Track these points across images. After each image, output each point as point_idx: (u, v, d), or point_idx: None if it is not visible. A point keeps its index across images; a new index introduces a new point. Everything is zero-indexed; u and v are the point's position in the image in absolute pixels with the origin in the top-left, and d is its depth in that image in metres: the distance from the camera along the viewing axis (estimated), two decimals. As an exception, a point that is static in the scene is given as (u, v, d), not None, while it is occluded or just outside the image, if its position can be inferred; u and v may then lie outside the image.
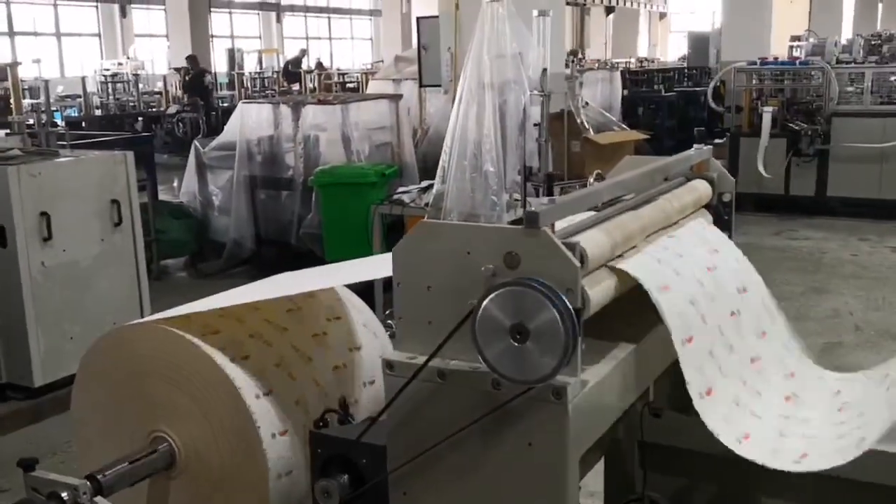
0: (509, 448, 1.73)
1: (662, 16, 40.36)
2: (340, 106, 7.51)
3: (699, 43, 17.14)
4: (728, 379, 2.06)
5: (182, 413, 2.31)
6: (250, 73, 23.84)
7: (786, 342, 2.40)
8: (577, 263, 1.66)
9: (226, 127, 7.99)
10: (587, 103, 10.60)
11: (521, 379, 1.65)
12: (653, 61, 25.64)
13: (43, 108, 15.14)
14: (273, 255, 7.53)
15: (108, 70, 20.29)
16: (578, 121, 9.41)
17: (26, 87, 14.68)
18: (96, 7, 29.46)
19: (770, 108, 9.70)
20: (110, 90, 18.44)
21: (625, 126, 12.09)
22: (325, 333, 2.44)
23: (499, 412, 1.72)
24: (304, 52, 23.56)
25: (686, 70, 16.67)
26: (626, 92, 13.30)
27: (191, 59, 15.51)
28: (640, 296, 1.92)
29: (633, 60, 23.08)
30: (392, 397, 1.81)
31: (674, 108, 13.68)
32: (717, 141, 11.02)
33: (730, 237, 2.61)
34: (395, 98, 8.18)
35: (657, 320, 1.92)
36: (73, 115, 16.19)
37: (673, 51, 34.66)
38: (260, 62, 27.01)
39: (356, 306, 2.54)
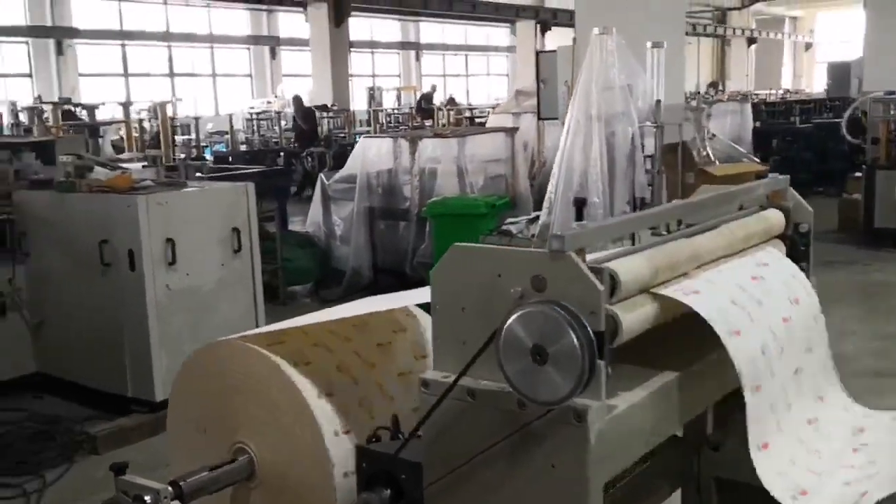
0: (534, 469, 1.76)
1: (808, 46, 38.86)
2: (456, 139, 7.67)
3: (840, 73, 16.39)
4: (784, 435, 1.99)
5: (259, 425, 2.47)
6: (387, 109, 24.62)
7: (847, 406, 2.29)
8: (601, 287, 1.68)
9: (348, 161, 8.31)
10: (714, 135, 10.37)
11: (539, 399, 1.68)
12: (796, 93, 24.73)
13: (193, 144, 16.21)
14: (389, 283, 7.75)
15: (252, 108, 21.40)
16: (704, 152, 9.24)
17: (177, 124, 15.69)
18: (249, 49, 31.17)
19: (911, 141, 9.20)
20: (255, 127, 19.45)
21: (755, 158, 11.74)
22: (390, 343, 2.56)
23: (524, 432, 1.75)
24: (434, 88, 24.07)
25: (826, 101, 15.98)
26: (758, 124, 12.89)
27: (296, 99, 16.16)
28: (690, 323, 1.90)
29: (773, 91, 22.31)
30: (425, 415, 1.88)
31: (811, 141, 13.13)
32: (856, 174, 10.53)
33: (807, 267, 2.53)
34: (511, 131, 8.27)
35: (707, 351, 1.90)
36: (221, 150, 17.16)
37: (819, 82, 33.30)
38: (398, 99, 27.84)
39: (426, 319, 2.64)
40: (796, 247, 2.58)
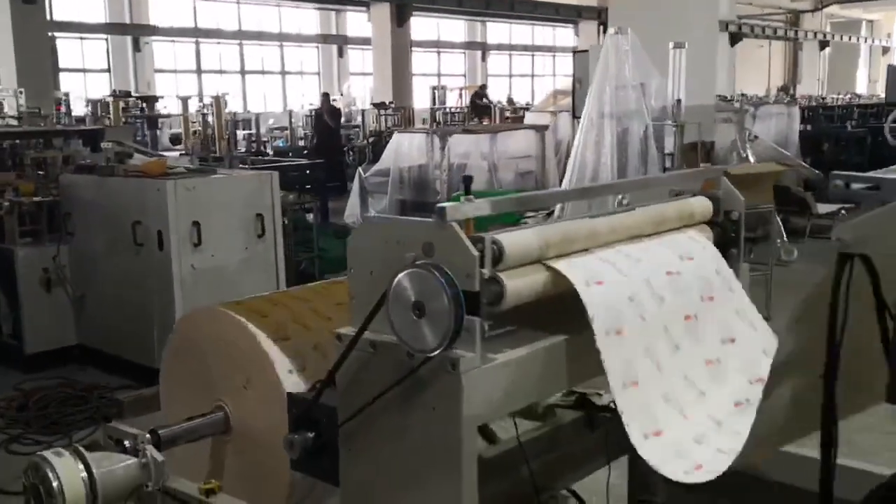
0: (420, 410, 2.01)
1: (885, 50, 37.79)
2: (487, 135, 7.91)
3: (898, 76, 16.10)
4: (664, 374, 2.19)
5: (231, 381, 2.80)
6: (450, 108, 24.98)
7: (767, 349, 2.43)
8: (475, 253, 1.92)
9: (382, 155, 8.62)
10: (756, 137, 10.37)
11: (418, 349, 1.93)
12: (870, 97, 24.18)
13: (254, 138, 16.79)
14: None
15: (312, 105, 21.98)
16: (744, 154, 9.28)
17: (239, 119, 16.27)
18: (317, 48, 31.85)
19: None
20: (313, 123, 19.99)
21: (802, 162, 11.67)
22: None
23: (412, 379, 2.00)
24: (484, 87, 24.40)
25: (885, 105, 15.68)
26: (808, 127, 12.77)
27: (324, 96, 16.53)
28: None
29: (839, 95, 21.89)
30: (335, 365, 2.15)
31: (863, 145, 12.95)
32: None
33: (737, 253, 2.70)
34: (541, 129, 8.47)
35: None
36: (280, 145, 17.72)
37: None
38: (460, 97, 28.15)
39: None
40: (726, 233, 2.76)
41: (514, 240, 2.10)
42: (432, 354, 1.92)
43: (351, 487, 2.21)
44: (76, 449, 2.57)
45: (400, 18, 21.68)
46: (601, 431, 2.91)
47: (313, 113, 15.66)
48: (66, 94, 7.88)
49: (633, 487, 2.92)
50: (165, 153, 7.09)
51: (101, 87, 23.28)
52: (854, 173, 9.35)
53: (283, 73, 31.48)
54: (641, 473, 2.81)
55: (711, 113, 7.83)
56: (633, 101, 6.08)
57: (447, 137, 7.75)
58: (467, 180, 2.53)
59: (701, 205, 2.71)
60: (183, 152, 7.33)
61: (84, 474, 2.49)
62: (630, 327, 2.15)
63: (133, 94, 17.79)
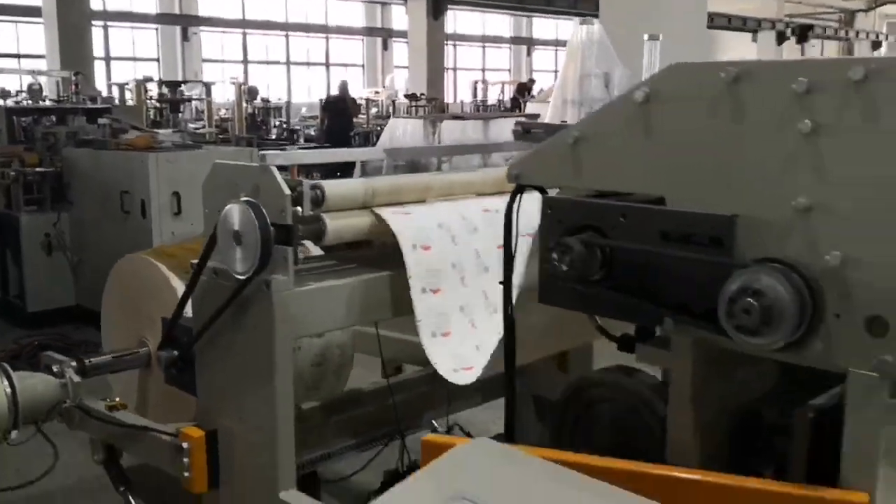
0: (245, 328, 2.38)
1: (941, 50, 36.85)
2: (479, 122, 8.23)
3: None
4: (467, 289, 2.49)
5: (152, 320, 3.19)
6: (491, 102, 25.35)
7: None
8: (286, 192, 2.28)
9: (379, 140, 8.97)
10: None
11: (236, 272, 2.30)
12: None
13: (285, 126, 17.29)
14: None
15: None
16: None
17: (270, 107, 16.78)
18: (362, 41, 32.32)
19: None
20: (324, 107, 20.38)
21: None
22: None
23: (239, 300, 2.37)
24: (532, 81, 24.64)
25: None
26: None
27: (342, 84, 16.83)
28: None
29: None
30: (186, 290, 2.53)
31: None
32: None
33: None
34: (532, 116, 8.75)
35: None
36: (311, 133, 18.20)
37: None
38: (502, 92, 28.39)
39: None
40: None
41: (337, 186, 2.46)
42: (245, 277, 2.29)
43: (203, 397, 2.60)
44: (2, 367, 3.00)
45: (436, 12, 22.02)
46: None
47: (324, 100, 16.07)
48: (77, 75, 8.42)
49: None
50: (160, 131, 7.54)
51: (151, 76, 24.07)
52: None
53: (328, 64, 31.99)
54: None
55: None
56: (595, 89, 6.34)
57: (438, 123, 8.08)
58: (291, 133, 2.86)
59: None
60: (174, 129, 7.77)
61: (8, 389, 2.91)
62: (437, 245, 2.47)
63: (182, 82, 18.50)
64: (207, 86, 12.24)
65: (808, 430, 1.51)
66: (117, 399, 3.23)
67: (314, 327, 2.45)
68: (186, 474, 2.52)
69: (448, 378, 2.34)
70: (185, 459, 2.51)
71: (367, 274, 2.50)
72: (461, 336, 2.39)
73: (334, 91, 16.02)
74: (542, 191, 1.76)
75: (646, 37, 7.36)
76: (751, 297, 1.35)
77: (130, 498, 3.18)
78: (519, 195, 1.75)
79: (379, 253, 2.66)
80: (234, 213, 2.29)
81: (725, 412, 1.65)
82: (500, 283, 1.79)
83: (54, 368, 3.13)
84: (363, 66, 32.38)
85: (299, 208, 2.32)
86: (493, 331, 2.46)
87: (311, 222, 2.37)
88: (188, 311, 2.86)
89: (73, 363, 3.15)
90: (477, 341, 2.39)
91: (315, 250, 2.79)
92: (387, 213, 2.48)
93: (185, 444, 2.51)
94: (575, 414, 1.92)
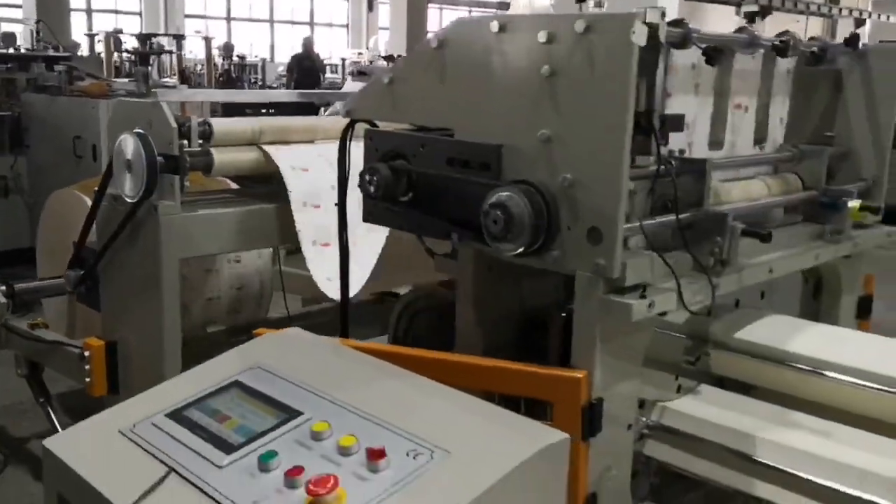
0: (138, 247, 2.66)
1: (923, 30, 37.11)
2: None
3: None
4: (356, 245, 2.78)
5: None
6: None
7: None
8: (174, 125, 2.54)
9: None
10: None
11: (126, 196, 2.57)
12: None
13: (260, 83, 17.40)
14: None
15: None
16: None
17: (246, 64, 16.88)
18: (347, 1, 32.21)
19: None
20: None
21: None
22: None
23: (133, 223, 2.64)
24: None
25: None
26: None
27: (306, 39, 16.83)
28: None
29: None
30: (88, 214, 2.80)
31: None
32: None
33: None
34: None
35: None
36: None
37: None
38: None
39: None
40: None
41: (225, 123, 2.73)
42: (134, 200, 2.56)
43: (105, 311, 2.88)
44: (-66, 287, 3.27)
45: (418, -26, 22.07)
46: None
47: (291, 58, 16.21)
48: (38, 23, 8.60)
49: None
50: (117, 80, 7.73)
51: (133, 29, 24.05)
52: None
53: (312, 24, 31.90)
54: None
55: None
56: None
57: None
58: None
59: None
60: (131, 79, 7.93)
61: (-62, 308, 3.19)
62: (315, 168, 2.73)
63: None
64: (178, 39, 12.38)
65: (559, 326, 1.81)
66: (39, 319, 3.52)
67: (199, 249, 2.73)
68: (88, 380, 2.81)
69: (321, 287, 2.62)
70: (87, 366, 2.80)
71: (254, 205, 2.78)
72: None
73: (299, 49, 16.13)
74: (373, 124, 2.04)
75: (591, 3, 7.59)
76: (498, 210, 1.64)
77: (49, 409, 3.48)
78: (351, 127, 2.03)
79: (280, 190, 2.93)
80: (127, 143, 2.57)
81: (512, 313, 1.94)
82: (336, 204, 2.07)
83: (-17, 292, 3.41)
84: (347, 26, 32.30)
85: (186, 141, 2.58)
86: (370, 250, 2.75)
87: (201, 155, 2.64)
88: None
89: (2, 287, 3.43)
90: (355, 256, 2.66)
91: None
92: (270, 148, 2.75)
93: (86, 353, 2.80)
94: (407, 322, 2.22)
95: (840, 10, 34.46)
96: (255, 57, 18.59)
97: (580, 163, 1.60)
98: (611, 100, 1.54)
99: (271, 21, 30.26)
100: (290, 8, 30.64)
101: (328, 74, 17.35)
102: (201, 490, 1.31)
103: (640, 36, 1.50)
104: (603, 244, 1.59)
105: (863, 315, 2.52)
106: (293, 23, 30.97)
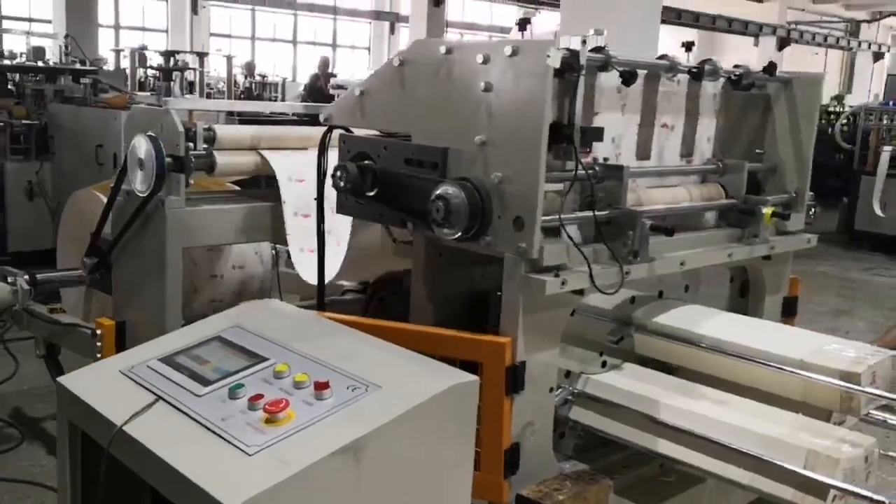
0: (147, 238, 3.01)
1: (942, 64, 37.25)
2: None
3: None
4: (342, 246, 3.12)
5: None
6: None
7: None
8: (180, 129, 2.89)
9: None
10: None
11: (139, 191, 2.92)
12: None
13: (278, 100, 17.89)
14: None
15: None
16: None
17: (267, 82, 17.39)
18: (370, 24, 32.83)
19: (889, 148, 9.65)
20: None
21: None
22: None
23: (143, 216, 2.99)
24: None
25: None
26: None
27: (322, 59, 17.24)
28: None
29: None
30: (105, 208, 3.16)
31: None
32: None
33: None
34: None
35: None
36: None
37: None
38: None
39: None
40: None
41: (228, 129, 3.08)
42: (144, 195, 2.91)
43: (116, 295, 3.22)
44: (-36, 273, 3.64)
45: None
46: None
47: (312, 75, 16.70)
48: (67, 38, 9.07)
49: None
50: (140, 93, 8.15)
51: (159, 46, 24.71)
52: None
53: (335, 45, 32.50)
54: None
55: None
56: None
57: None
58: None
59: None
60: (153, 91, 8.37)
61: (-31, 290, 3.56)
62: (309, 179, 3.05)
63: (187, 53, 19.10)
64: (201, 56, 12.86)
65: (497, 303, 2.14)
66: (58, 306, 3.88)
67: (200, 240, 3.07)
68: (99, 356, 3.14)
69: (308, 282, 2.95)
70: (99, 343, 3.14)
71: (250, 202, 3.12)
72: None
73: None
74: (348, 130, 2.38)
75: (591, 31, 7.95)
76: (440, 202, 1.97)
77: (64, 387, 3.82)
78: (329, 133, 2.37)
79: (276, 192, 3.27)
80: (140, 144, 2.92)
81: (461, 293, 2.27)
82: (315, 199, 2.41)
83: (9, 279, 3.78)
84: (369, 48, 32.88)
85: (192, 144, 2.93)
86: (342, 248, 3.07)
87: (205, 157, 2.99)
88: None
89: (26, 276, 3.79)
90: (339, 255, 3.00)
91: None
92: (268, 153, 3.10)
93: (98, 331, 3.14)
94: (377, 300, 2.55)
95: (860, 42, 34.71)
96: (277, 76, 19.11)
97: (508, 164, 1.93)
98: (531, 112, 1.87)
99: (294, 42, 30.90)
100: (312, 29, 31.28)
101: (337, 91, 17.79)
102: (182, 412, 1.64)
103: (554, 59, 1.83)
104: (524, 230, 1.92)
105: (788, 314, 2.83)
106: (315, 44, 31.61)
